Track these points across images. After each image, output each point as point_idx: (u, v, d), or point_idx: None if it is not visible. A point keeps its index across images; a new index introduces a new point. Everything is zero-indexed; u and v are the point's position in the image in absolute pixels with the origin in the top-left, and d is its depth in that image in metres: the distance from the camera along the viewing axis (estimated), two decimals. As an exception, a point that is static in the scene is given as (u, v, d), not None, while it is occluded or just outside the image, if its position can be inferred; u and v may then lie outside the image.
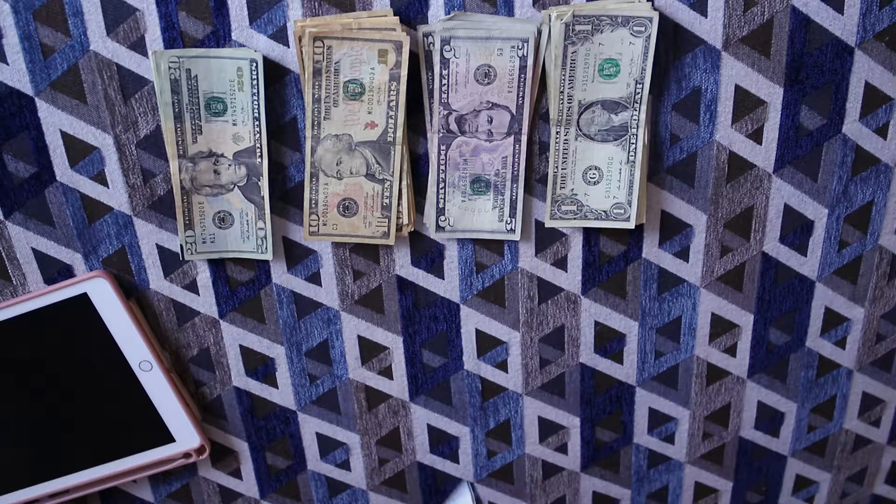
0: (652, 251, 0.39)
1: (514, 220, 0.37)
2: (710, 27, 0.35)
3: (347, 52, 0.33)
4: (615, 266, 0.39)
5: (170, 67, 0.33)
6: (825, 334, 0.42)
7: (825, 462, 0.46)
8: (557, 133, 0.36)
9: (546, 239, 0.39)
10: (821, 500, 0.48)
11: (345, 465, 0.44)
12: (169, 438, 0.41)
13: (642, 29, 0.33)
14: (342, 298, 0.39)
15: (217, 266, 0.38)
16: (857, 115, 0.37)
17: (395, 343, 0.41)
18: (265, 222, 0.37)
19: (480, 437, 0.43)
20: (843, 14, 0.35)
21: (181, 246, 0.37)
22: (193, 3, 0.33)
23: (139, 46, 0.34)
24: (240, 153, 0.36)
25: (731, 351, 0.42)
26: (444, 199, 0.37)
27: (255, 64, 0.34)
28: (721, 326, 0.41)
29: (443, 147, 0.36)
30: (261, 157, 0.36)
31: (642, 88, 0.35)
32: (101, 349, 0.38)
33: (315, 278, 0.39)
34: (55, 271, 0.38)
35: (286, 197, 0.37)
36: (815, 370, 0.43)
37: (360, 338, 0.40)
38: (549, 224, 0.37)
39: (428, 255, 0.39)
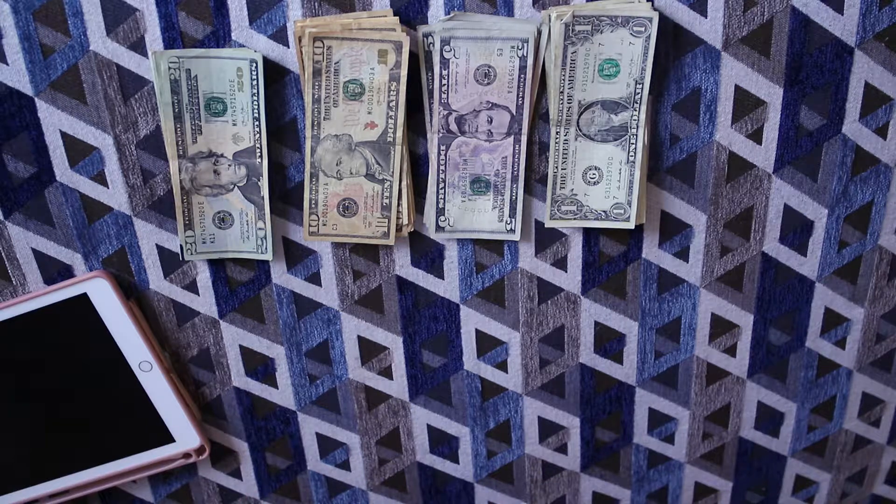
0: (652, 251, 0.39)
1: (513, 220, 0.37)
2: (709, 27, 0.35)
3: (347, 52, 0.33)
4: (615, 266, 0.39)
5: (170, 68, 0.33)
6: (825, 334, 0.42)
7: (825, 462, 0.46)
8: (557, 133, 0.36)
9: (546, 239, 0.39)
10: (821, 500, 0.48)
11: (345, 466, 0.44)
12: (169, 438, 0.41)
13: (642, 29, 0.33)
14: (342, 298, 0.39)
15: (217, 266, 0.38)
16: (857, 115, 0.37)
17: (395, 343, 0.41)
18: (265, 222, 0.37)
19: (480, 437, 0.43)
20: (843, 14, 0.35)
21: (181, 246, 0.37)
22: (193, 3, 0.33)
23: (139, 46, 0.34)
24: (240, 153, 0.36)
25: (731, 351, 0.42)
26: (444, 199, 0.37)
27: (254, 64, 0.34)
28: (721, 326, 0.41)
29: (443, 147, 0.36)
30: (261, 157, 0.36)
31: (642, 88, 0.35)
32: (101, 349, 0.38)
33: (315, 278, 0.39)
34: (55, 271, 0.38)
35: (286, 197, 0.37)
36: (815, 370, 0.43)
37: (360, 338, 0.40)
38: (549, 224, 0.37)
39: (428, 255, 0.39)
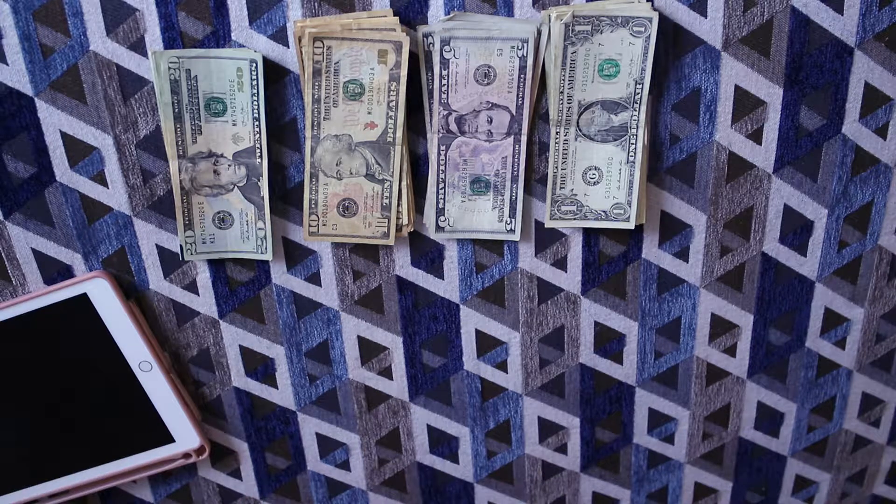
0: (652, 251, 0.39)
1: (513, 220, 0.37)
2: (709, 27, 0.35)
3: (347, 52, 0.33)
4: (615, 266, 0.39)
5: (170, 68, 0.33)
6: (825, 334, 0.42)
7: (825, 462, 0.46)
8: (557, 133, 0.36)
9: (546, 239, 0.39)
10: (820, 500, 0.48)
11: (344, 466, 0.44)
12: (169, 439, 0.41)
13: (642, 29, 0.33)
14: (342, 298, 0.39)
15: (217, 266, 0.38)
16: (857, 115, 0.37)
17: (394, 343, 0.41)
18: (265, 222, 0.37)
19: (480, 437, 0.43)
20: (842, 14, 0.35)
21: (181, 246, 0.37)
22: (193, 3, 0.33)
23: (139, 47, 0.34)
24: (239, 153, 0.36)
25: (731, 351, 0.42)
26: (444, 199, 0.37)
27: (254, 64, 0.34)
28: (721, 326, 0.41)
29: (442, 147, 0.36)
30: (260, 157, 0.36)
31: (642, 88, 0.35)
32: (101, 349, 0.38)
33: (315, 278, 0.39)
34: (55, 271, 0.38)
35: (286, 197, 0.37)
36: (815, 370, 0.43)
37: (359, 338, 0.40)
38: (548, 224, 0.37)
39: (428, 255, 0.39)
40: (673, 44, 0.35)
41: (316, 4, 0.33)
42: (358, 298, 0.39)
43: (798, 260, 0.40)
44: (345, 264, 0.39)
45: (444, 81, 0.34)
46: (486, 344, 0.41)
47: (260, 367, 0.41)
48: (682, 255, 0.39)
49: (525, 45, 0.34)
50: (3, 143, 0.35)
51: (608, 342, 0.41)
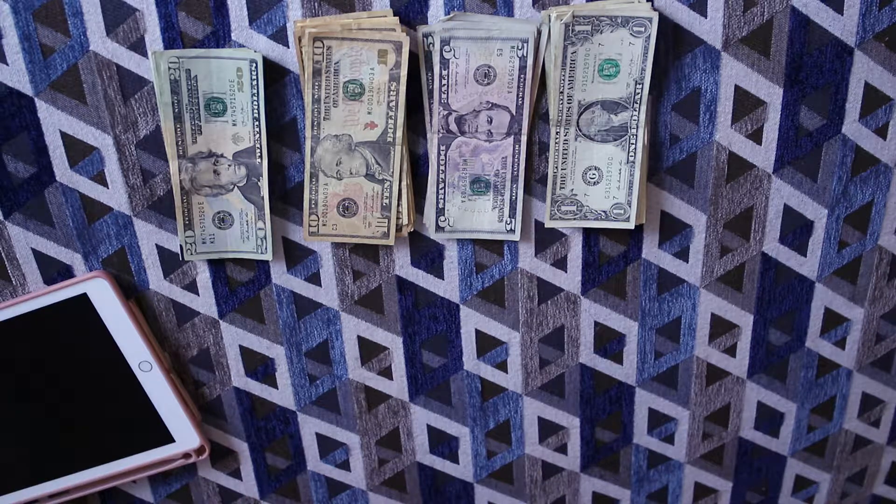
0: (652, 251, 0.39)
1: (513, 220, 0.37)
2: (709, 27, 0.35)
3: (347, 52, 0.33)
4: (615, 266, 0.39)
5: (169, 68, 0.33)
6: (825, 334, 0.42)
7: (825, 462, 0.46)
8: (557, 133, 0.36)
9: (546, 239, 0.39)
10: (820, 500, 0.48)
11: (344, 466, 0.44)
12: (168, 439, 0.41)
13: (642, 29, 0.33)
14: (342, 299, 0.39)
15: (217, 266, 0.38)
16: (857, 115, 0.37)
17: (394, 343, 0.41)
18: (265, 222, 0.37)
19: (480, 437, 0.43)
20: (842, 14, 0.35)
21: (181, 246, 0.37)
22: (193, 3, 0.33)
23: (139, 47, 0.34)
24: (239, 153, 0.36)
25: (731, 351, 0.42)
26: (444, 199, 0.37)
27: (254, 64, 0.34)
28: (721, 327, 0.41)
29: (442, 147, 0.36)
30: (260, 157, 0.36)
31: (642, 89, 0.35)
32: (101, 349, 0.38)
33: (315, 278, 0.39)
34: (55, 271, 0.38)
35: (286, 197, 0.37)
36: (815, 370, 0.43)
37: (359, 338, 0.40)
38: (548, 224, 0.37)
39: (428, 255, 0.39)
40: (673, 44, 0.35)
41: (316, 4, 0.33)
42: (358, 298, 0.39)
43: (798, 260, 0.40)
44: (345, 264, 0.39)
45: (444, 81, 0.34)
46: (486, 344, 0.41)
47: (260, 367, 0.41)
48: (682, 255, 0.39)
49: (525, 45, 0.34)
50: (3, 143, 0.35)
51: (608, 342, 0.41)
